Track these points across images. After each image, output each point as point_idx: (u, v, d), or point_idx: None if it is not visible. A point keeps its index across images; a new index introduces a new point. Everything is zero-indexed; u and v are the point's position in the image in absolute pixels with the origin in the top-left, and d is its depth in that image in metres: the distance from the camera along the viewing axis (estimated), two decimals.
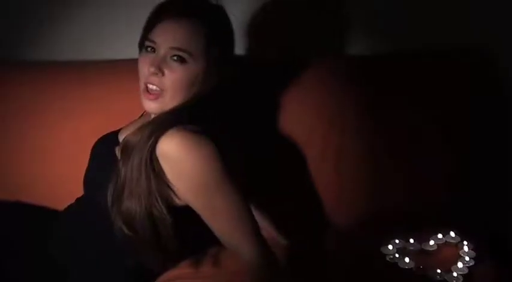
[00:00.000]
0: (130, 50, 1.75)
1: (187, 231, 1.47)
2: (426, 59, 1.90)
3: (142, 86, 1.48)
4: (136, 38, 1.57)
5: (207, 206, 1.43)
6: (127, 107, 1.73)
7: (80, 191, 1.65)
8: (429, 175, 1.81)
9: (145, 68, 1.47)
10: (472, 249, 1.58)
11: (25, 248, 1.63)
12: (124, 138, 1.48)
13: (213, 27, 1.49)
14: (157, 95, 1.46)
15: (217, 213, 1.43)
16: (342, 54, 1.98)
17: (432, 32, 1.92)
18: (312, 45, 1.99)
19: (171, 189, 1.43)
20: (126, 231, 1.42)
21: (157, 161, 1.41)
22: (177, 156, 1.39)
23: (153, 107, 1.48)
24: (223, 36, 1.53)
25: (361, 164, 1.81)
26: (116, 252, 1.50)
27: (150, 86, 1.47)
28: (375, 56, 1.93)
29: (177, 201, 1.45)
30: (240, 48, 1.91)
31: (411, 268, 1.55)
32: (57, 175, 1.85)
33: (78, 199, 1.66)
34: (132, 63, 1.58)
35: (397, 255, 1.58)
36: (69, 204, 1.68)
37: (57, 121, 1.87)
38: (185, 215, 1.45)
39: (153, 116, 1.54)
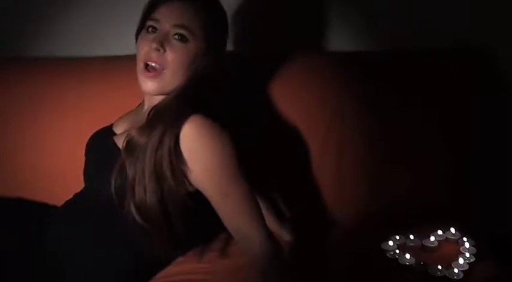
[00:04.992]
0: (129, 47, 1.77)
1: (194, 220, 1.50)
2: (426, 59, 1.90)
3: (141, 65, 1.49)
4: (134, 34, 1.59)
5: (220, 189, 1.45)
6: (126, 103, 1.73)
7: (79, 187, 1.64)
8: (429, 175, 1.80)
9: (146, 46, 1.49)
10: (472, 246, 1.57)
11: (23, 244, 1.61)
12: (128, 136, 1.48)
13: (212, 10, 1.55)
14: (156, 73, 1.48)
15: (229, 197, 1.45)
16: (343, 52, 1.97)
17: (432, 32, 1.93)
18: (313, 43, 2.00)
19: (186, 176, 1.45)
20: (140, 221, 1.45)
21: (177, 151, 1.43)
22: (201, 138, 1.43)
23: (152, 86, 1.49)
24: (221, 19, 1.59)
25: (361, 164, 1.81)
26: (110, 249, 1.51)
27: (150, 63, 1.48)
28: (374, 55, 1.93)
29: (188, 188, 1.47)
30: (242, 45, 1.92)
31: (412, 264, 1.54)
32: (57, 171, 1.84)
33: (76, 195, 1.66)
34: (131, 60, 1.59)
35: (397, 252, 1.58)
36: (67, 200, 1.67)
37: (57, 118, 1.87)
38: (194, 203, 1.49)
39: (146, 107, 1.56)
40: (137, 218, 1.45)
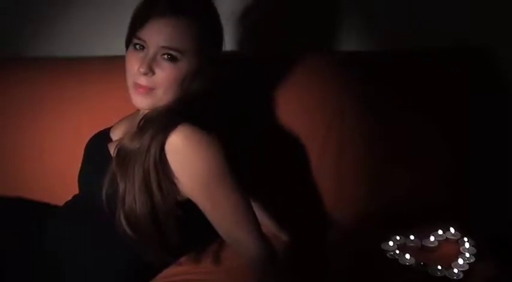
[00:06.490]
0: None
1: (187, 227, 1.47)
2: (426, 59, 1.90)
3: (131, 83, 1.45)
4: None
5: (210, 198, 1.43)
6: (126, 103, 1.69)
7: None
8: (429, 175, 1.80)
9: (134, 67, 1.43)
10: (472, 246, 1.57)
11: (23, 244, 1.61)
12: (119, 144, 1.46)
13: (204, 24, 1.46)
14: (148, 90, 1.43)
15: (220, 206, 1.43)
16: (343, 52, 1.98)
17: (432, 32, 1.93)
18: (313, 44, 2.00)
19: (175, 185, 1.43)
20: (129, 232, 1.42)
21: (163, 160, 1.40)
22: (187, 149, 1.39)
23: (143, 102, 1.45)
24: (214, 32, 1.50)
25: (361, 164, 1.81)
26: (110, 250, 1.51)
27: (140, 83, 1.43)
28: (374, 55, 1.93)
29: (177, 197, 1.45)
30: (242, 45, 1.92)
31: (412, 264, 1.54)
32: (57, 171, 1.84)
33: (75, 196, 1.66)
34: None
35: (397, 252, 1.58)
36: (66, 201, 1.67)
37: (57, 118, 1.87)
38: (185, 211, 1.46)
39: (140, 112, 1.53)
40: (127, 229, 1.42)
